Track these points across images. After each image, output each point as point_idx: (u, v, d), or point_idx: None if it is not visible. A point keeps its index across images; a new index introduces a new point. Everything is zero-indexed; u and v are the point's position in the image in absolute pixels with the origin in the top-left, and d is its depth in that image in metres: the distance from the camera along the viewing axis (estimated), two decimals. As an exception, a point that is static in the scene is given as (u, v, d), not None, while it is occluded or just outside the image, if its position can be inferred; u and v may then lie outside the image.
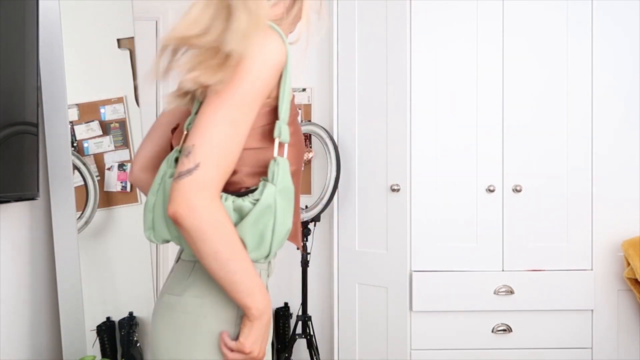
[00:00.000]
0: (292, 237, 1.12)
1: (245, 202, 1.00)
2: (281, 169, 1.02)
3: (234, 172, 1.03)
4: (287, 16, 1.12)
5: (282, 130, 1.03)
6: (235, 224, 1.00)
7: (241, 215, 1.01)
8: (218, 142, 0.95)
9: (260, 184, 1.02)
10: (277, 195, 1.00)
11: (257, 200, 1.00)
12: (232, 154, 0.98)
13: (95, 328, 2.14)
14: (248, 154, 1.03)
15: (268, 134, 1.04)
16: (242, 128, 0.98)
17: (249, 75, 0.97)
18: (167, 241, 1.09)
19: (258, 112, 1.01)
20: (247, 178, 1.04)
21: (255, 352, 1.01)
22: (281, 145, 1.04)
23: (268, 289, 1.09)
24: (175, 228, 1.00)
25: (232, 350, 1.01)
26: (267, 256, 1.04)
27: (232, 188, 1.04)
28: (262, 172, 1.04)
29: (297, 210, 1.11)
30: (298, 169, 1.12)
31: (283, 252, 3.04)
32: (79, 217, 2.09)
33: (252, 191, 1.02)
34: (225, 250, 0.96)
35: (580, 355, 2.53)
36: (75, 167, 2.08)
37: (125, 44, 2.39)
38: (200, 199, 0.93)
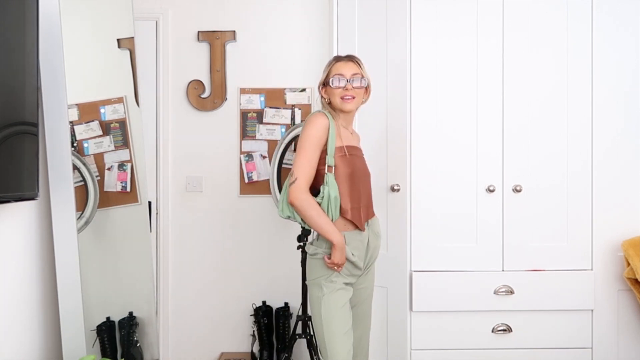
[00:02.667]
0: (344, 214, 2.09)
1: (317, 198, 2.07)
2: (329, 179, 2.07)
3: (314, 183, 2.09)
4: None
5: (328, 159, 2.08)
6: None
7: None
8: (303, 167, 2.05)
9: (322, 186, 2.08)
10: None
11: (323, 197, 2.07)
12: (310, 172, 2.06)
13: (95, 328, 2.14)
14: (318, 173, 2.09)
15: (323, 162, 2.08)
16: (313, 161, 2.05)
17: (307, 134, 2.06)
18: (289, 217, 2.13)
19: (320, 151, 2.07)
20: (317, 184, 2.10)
21: (336, 260, 2.03)
22: (329, 167, 2.08)
23: (346, 239, 2.08)
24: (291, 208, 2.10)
25: (330, 261, 2.05)
26: (333, 219, 2.07)
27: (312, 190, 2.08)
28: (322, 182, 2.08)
29: (351, 196, 2.10)
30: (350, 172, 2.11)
31: (283, 253, 3.05)
32: (79, 217, 2.09)
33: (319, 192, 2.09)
34: (311, 216, 2.03)
35: (580, 355, 2.53)
36: (75, 167, 2.08)
37: (125, 44, 2.39)
38: (297, 194, 2.03)
